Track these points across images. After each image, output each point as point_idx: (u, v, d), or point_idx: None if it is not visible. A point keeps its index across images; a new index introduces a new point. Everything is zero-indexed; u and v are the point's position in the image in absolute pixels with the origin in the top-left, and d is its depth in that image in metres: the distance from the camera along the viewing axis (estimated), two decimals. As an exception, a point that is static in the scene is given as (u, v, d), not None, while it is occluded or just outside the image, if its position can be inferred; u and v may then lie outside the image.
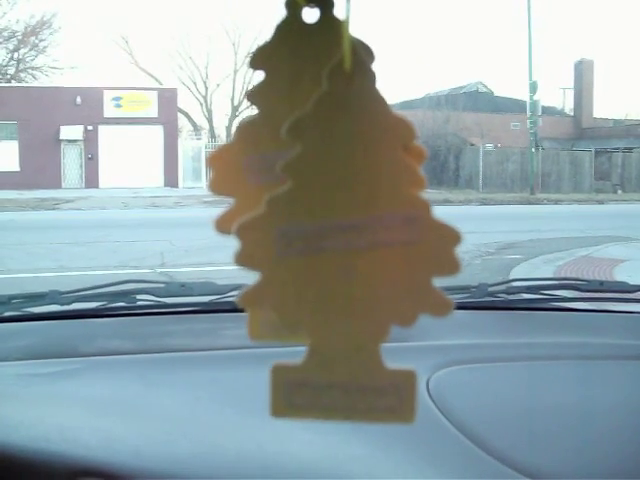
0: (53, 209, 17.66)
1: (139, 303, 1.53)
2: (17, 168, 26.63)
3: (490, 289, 1.63)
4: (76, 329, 1.50)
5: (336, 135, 0.37)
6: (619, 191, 28.00)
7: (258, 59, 0.39)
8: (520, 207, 19.29)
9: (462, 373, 1.19)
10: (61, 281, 7.16)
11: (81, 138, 27.24)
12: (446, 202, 18.58)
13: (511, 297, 1.64)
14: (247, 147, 0.40)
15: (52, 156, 27.01)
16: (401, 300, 0.39)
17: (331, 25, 0.37)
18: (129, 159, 27.28)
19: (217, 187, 0.41)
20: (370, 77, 0.37)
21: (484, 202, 20.61)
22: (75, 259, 8.77)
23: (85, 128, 27.22)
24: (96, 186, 26.74)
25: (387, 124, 0.37)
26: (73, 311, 1.50)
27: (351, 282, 0.38)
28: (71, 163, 27.59)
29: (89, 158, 27.41)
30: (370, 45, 0.37)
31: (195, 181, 27.49)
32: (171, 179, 27.98)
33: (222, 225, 0.42)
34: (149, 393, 1.13)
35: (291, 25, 0.38)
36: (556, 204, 21.26)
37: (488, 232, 11.31)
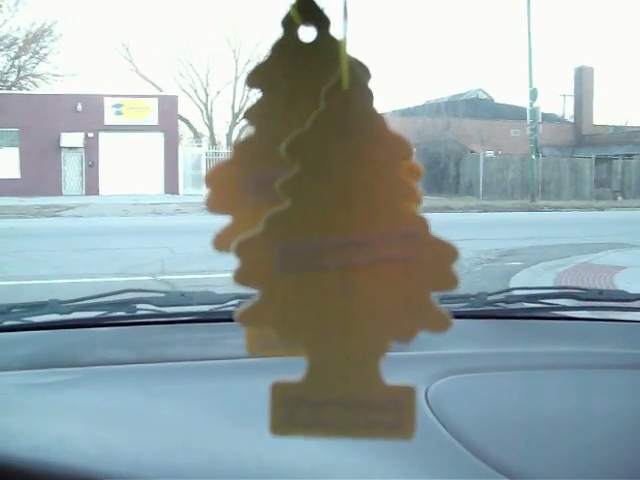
0: (53, 216, 17.66)
1: (139, 312, 1.53)
2: (18, 175, 26.65)
3: (489, 298, 1.63)
4: (76, 338, 1.50)
5: (334, 153, 0.37)
6: (619, 197, 28.02)
7: (255, 78, 0.39)
8: (520, 214, 19.27)
9: (461, 382, 1.19)
10: (61, 288, 7.16)
11: (82, 145, 27.27)
12: (446, 209, 18.54)
13: (510, 306, 1.64)
14: (244, 165, 0.41)
15: (52, 163, 27.03)
16: (400, 315, 0.39)
17: (328, 44, 0.38)
18: (129, 166, 27.29)
19: (214, 205, 0.42)
20: (367, 96, 0.37)
21: (484, 209, 20.59)
22: (75, 266, 8.76)
23: (86, 135, 27.25)
24: (96, 193, 26.75)
25: (384, 142, 0.37)
26: (73, 320, 1.50)
27: (350, 298, 0.39)
28: (71, 170, 27.61)
29: (89, 165, 27.44)
30: (367, 63, 0.37)
31: (195, 188, 27.49)
32: (171, 186, 27.99)
33: (220, 243, 0.42)
34: (148, 403, 1.13)
35: (288, 44, 0.38)
36: (556, 211, 21.26)
37: (488, 239, 11.32)
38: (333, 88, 0.37)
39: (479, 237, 11.38)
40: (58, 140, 26.95)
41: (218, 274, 7.83)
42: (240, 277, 0.38)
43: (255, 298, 0.38)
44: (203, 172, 27.67)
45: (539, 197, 25.51)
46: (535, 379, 1.25)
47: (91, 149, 27.43)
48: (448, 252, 0.38)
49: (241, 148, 0.40)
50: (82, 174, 27.67)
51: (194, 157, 29.24)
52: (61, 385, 1.19)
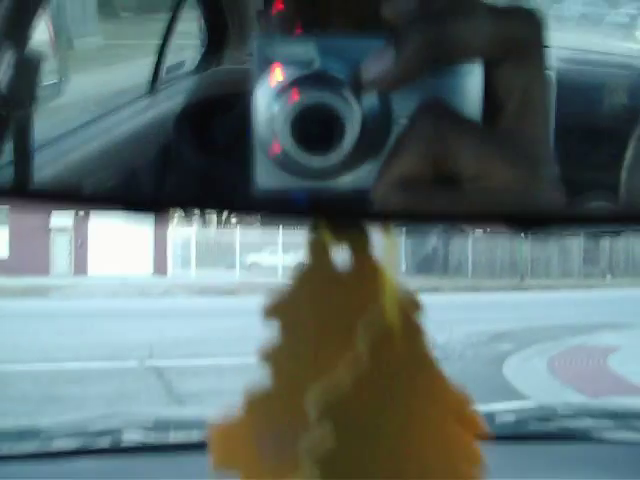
0: (40, 297, 17.49)
1: (125, 439, 1.43)
2: (6, 254, 26.56)
3: (497, 418, 1.54)
4: (56, 471, 1.39)
5: (377, 413, 0.30)
6: (608, 276, 28.05)
7: (275, 309, 0.31)
8: (510, 294, 19.20)
9: None
10: (46, 374, 7.03)
11: (71, 226, 27.29)
12: (435, 290, 18.38)
13: (520, 427, 1.54)
14: (258, 422, 0.32)
15: (41, 243, 26.99)
16: None
17: (365, 270, 0.30)
18: (119, 246, 27.26)
19: (223, 462, 0.33)
20: (418, 337, 0.29)
21: (474, 289, 20.51)
22: (61, 350, 8.65)
23: (76, 215, 27.32)
24: (85, 273, 26.63)
25: (438, 392, 0.30)
26: (54, 450, 1.40)
27: None
28: (60, 250, 27.55)
29: (79, 246, 27.40)
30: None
31: (184, 269, 27.43)
32: (160, 267, 27.89)
33: None
34: None
35: (315, 271, 0.31)
36: (546, 290, 21.21)
37: (479, 320, 11.25)
38: (376, 330, 0.29)
39: (469, 318, 11.33)
40: (48, 220, 26.97)
41: (206, 358, 7.83)
42: None
43: None
44: (192, 253, 27.72)
45: (528, 276, 25.51)
46: None
47: (81, 229, 27.44)
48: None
49: (254, 401, 0.32)
50: (71, 254, 27.60)
51: (183, 238, 29.24)
52: None
